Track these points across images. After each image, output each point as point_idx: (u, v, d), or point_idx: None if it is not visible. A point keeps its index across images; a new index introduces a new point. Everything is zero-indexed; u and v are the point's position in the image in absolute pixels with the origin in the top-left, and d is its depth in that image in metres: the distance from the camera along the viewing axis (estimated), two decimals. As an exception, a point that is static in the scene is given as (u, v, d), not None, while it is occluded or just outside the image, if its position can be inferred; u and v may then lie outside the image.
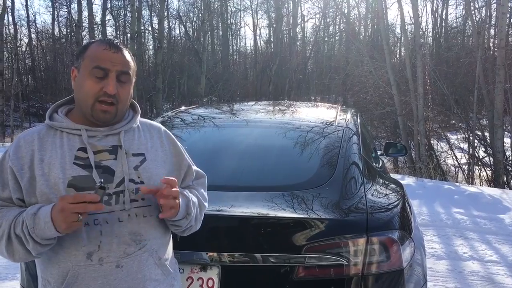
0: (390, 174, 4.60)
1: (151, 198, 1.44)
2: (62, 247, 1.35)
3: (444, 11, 25.13)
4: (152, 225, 1.44)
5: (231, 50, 36.01)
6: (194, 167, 1.68)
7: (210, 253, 1.86)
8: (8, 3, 23.19)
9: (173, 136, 1.63)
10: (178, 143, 1.64)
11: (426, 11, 30.05)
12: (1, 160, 1.40)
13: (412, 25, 14.16)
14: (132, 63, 1.46)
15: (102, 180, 1.30)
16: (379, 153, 4.31)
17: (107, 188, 1.33)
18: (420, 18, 15.60)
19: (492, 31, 15.46)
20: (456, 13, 27.81)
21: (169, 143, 1.59)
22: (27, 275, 2.05)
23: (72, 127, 1.41)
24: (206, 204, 1.63)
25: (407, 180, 8.01)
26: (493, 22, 15.74)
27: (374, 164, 2.97)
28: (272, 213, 1.92)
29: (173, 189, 1.38)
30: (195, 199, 1.54)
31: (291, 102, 4.07)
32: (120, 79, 1.41)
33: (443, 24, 24.73)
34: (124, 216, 1.38)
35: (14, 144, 1.40)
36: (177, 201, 1.39)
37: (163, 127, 1.63)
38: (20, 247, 1.31)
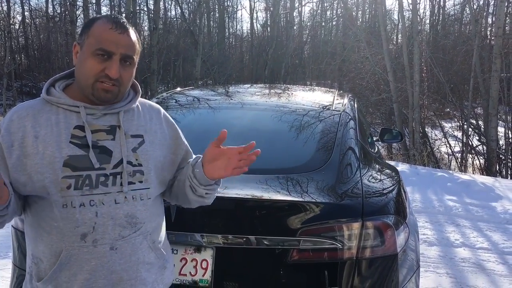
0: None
1: (149, 181, 1.42)
2: (56, 227, 1.32)
3: (442, -2, 24.98)
4: (148, 208, 1.42)
5: (227, 33, 35.70)
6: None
7: (204, 235, 1.85)
8: (1, -21, 22.80)
9: (171, 119, 1.60)
10: (176, 126, 1.61)
11: (424, -2, 29.88)
12: None
13: (410, 12, 14.06)
14: (137, 45, 1.40)
15: None
16: (374, 139, 4.30)
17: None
18: (418, 5, 15.51)
19: (489, 20, 15.43)
20: (454, 0, 27.69)
21: (168, 126, 1.56)
22: (19, 253, 2.04)
23: (70, 103, 1.36)
24: None
25: (401, 167, 8.04)
26: (491, 10, 15.71)
27: (370, 149, 2.96)
28: (267, 195, 1.91)
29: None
30: None
31: (288, 85, 4.04)
32: (124, 61, 1.36)
33: (441, 11, 24.60)
34: (120, 198, 1.35)
35: (7, 118, 1.35)
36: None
37: (162, 109, 1.59)
38: None
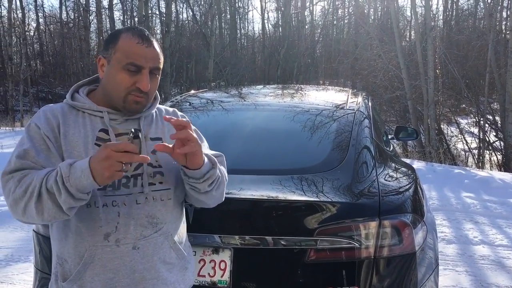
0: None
1: (169, 182, 1.45)
2: (80, 227, 1.36)
3: (456, -7, 24.67)
4: (169, 209, 1.46)
5: (239, 34, 35.75)
6: (210, 151, 1.66)
7: (222, 236, 1.86)
8: (16, -13, 23.15)
9: (186, 117, 1.62)
10: (193, 127, 1.59)
11: (437, -7, 29.57)
12: (28, 131, 1.38)
13: (423, 8, 13.93)
14: (161, 56, 1.45)
15: (133, 130, 1.23)
16: (389, 137, 4.28)
17: (141, 135, 1.24)
18: (431, 1, 15.38)
19: (504, 13, 15.22)
20: (467, -5, 27.31)
21: None
22: (41, 257, 2.07)
23: (94, 108, 1.43)
24: (226, 177, 1.58)
25: (417, 165, 7.97)
26: (505, 4, 15.48)
27: (385, 148, 2.94)
28: (283, 196, 1.91)
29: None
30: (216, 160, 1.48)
31: (301, 85, 4.04)
32: (152, 73, 1.42)
33: (454, 7, 24.33)
34: (141, 198, 1.39)
35: (42, 116, 1.40)
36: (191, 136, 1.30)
37: (177, 111, 1.64)
38: (51, 203, 1.24)
